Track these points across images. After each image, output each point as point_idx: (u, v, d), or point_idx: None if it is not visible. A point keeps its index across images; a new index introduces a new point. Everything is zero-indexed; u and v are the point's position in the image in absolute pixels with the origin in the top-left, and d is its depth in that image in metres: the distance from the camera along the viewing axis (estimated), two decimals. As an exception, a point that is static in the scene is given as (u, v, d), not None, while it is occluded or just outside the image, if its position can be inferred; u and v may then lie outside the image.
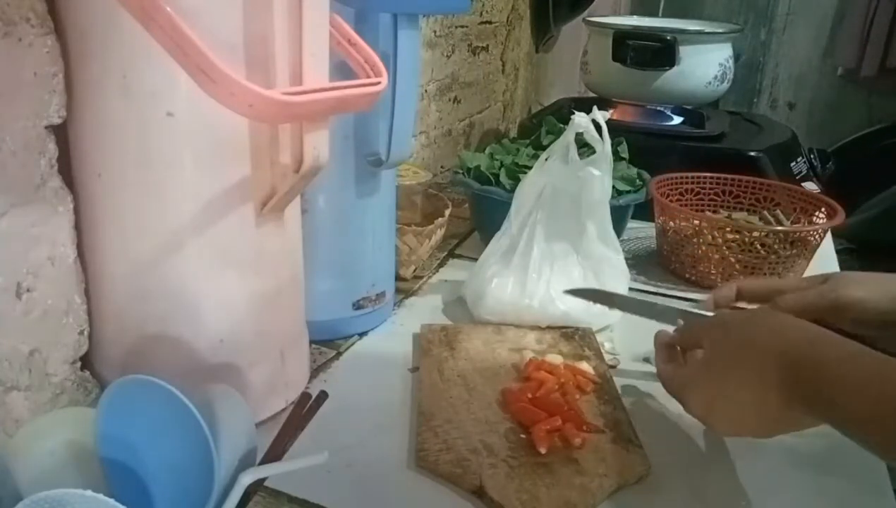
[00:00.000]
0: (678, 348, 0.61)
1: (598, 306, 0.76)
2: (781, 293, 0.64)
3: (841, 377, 0.44)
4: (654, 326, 0.66)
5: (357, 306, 0.74)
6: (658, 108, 1.26)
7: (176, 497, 0.42)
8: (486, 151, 0.98)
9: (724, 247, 0.86)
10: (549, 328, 0.75)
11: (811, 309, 0.60)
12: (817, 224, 0.91)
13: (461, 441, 0.57)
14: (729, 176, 1.01)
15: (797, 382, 0.47)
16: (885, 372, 0.43)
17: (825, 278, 0.63)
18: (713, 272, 0.88)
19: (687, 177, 1.01)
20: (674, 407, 0.65)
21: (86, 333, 0.56)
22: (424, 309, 0.81)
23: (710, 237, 0.86)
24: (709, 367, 0.54)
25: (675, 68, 1.19)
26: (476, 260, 0.80)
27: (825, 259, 0.98)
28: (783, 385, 0.47)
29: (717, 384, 0.52)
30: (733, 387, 0.51)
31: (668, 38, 1.17)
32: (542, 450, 0.56)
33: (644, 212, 0.95)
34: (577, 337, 0.74)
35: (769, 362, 0.49)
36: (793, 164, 1.16)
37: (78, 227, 0.54)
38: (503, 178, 0.91)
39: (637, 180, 0.95)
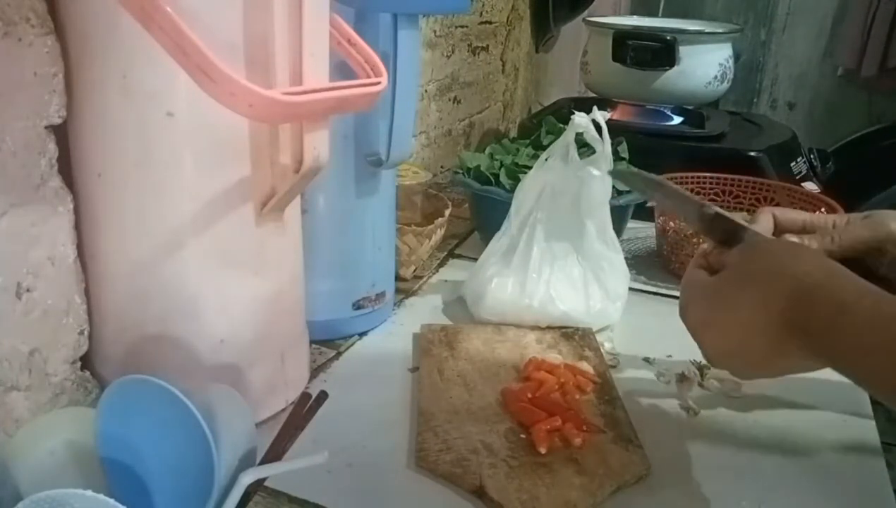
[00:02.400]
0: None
1: (599, 305, 0.76)
2: (819, 226, 0.58)
3: (859, 309, 0.42)
4: (655, 326, 0.65)
5: (357, 306, 0.74)
6: (658, 108, 1.26)
7: (176, 497, 0.42)
8: (486, 151, 0.98)
9: (724, 247, 0.86)
10: (549, 328, 0.75)
11: (860, 244, 0.56)
12: (817, 224, 0.91)
13: (461, 441, 0.57)
14: (729, 176, 1.01)
15: (808, 309, 0.44)
16: None
17: (866, 215, 0.58)
18: (713, 272, 0.88)
19: (687, 177, 1.01)
20: (674, 407, 0.65)
21: (86, 333, 0.56)
22: (424, 309, 0.81)
23: (710, 237, 0.86)
24: (719, 281, 0.51)
25: (675, 68, 1.19)
26: (476, 260, 0.80)
27: (825, 259, 0.98)
28: (789, 312, 0.45)
29: (721, 298, 0.50)
30: (737, 304, 0.48)
31: (668, 38, 1.17)
32: (542, 450, 0.56)
33: (644, 212, 0.95)
34: (577, 337, 0.74)
35: (779, 285, 0.46)
36: (793, 164, 1.16)
37: (78, 227, 0.54)
38: (503, 178, 0.91)
39: (637, 180, 0.95)
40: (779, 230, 0.59)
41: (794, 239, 0.56)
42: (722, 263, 0.52)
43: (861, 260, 0.54)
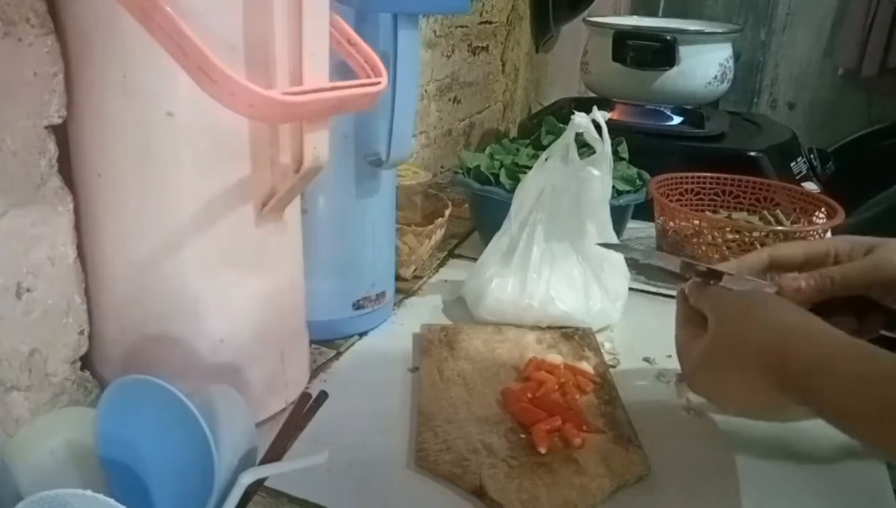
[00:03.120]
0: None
1: (599, 305, 0.76)
2: (820, 257, 0.59)
3: (831, 372, 0.45)
4: (655, 326, 0.66)
5: (357, 306, 0.74)
6: (658, 108, 1.26)
7: (176, 497, 0.42)
8: (486, 151, 0.98)
9: (724, 247, 0.86)
10: (549, 328, 0.75)
11: (861, 283, 0.56)
12: (817, 224, 0.91)
13: (461, 441, 0.57)
14: (729, 176, 1.01)
15: (790, 375, 0.47)
16: (876, 371, 0.43)
17: (869, 247, 0.58)
18: (713, 272, 0.88)
19: (687, 177, 1.01)
20: (674, 407, 0.65)
21: (86, 333, 0.56)
22: (424, 309, 0.81)
23: (710, 237, 0.86)
24: (709, 349, 0.54)
25: (675, 68, 1.19)
26: (476, 260, 0.80)
27: (825, 259, 0.98)
28: (777, 377, 0.48)
29: (715, 368, 0.54)
30: (730, 373, 0.52)
31: (668, 38, 1.17)
32: (542, 450, 0.56)
33: (644, 212, 0.95)
34: (577, 337, 0.74)
35: (765, 354, 0.49)
36: (793, 164, 1.17)
37: (78, 227, 0.54)
38: (503, 178, 0.91)
39: (637, 180, 0.95)
40: (776, 266, 0.60)
41: (792, 279, 0.58)
42: (702, 307, 0.57)
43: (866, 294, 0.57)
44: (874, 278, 0.55)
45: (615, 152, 0.86)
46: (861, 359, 0.45)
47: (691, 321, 0.58)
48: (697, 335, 0.56)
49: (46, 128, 0.50)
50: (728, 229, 0.86)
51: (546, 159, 0.76)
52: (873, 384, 0.42)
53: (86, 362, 0.57)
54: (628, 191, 0.92)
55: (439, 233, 0.89)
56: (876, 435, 0.43)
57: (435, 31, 1.19)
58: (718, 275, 0.58)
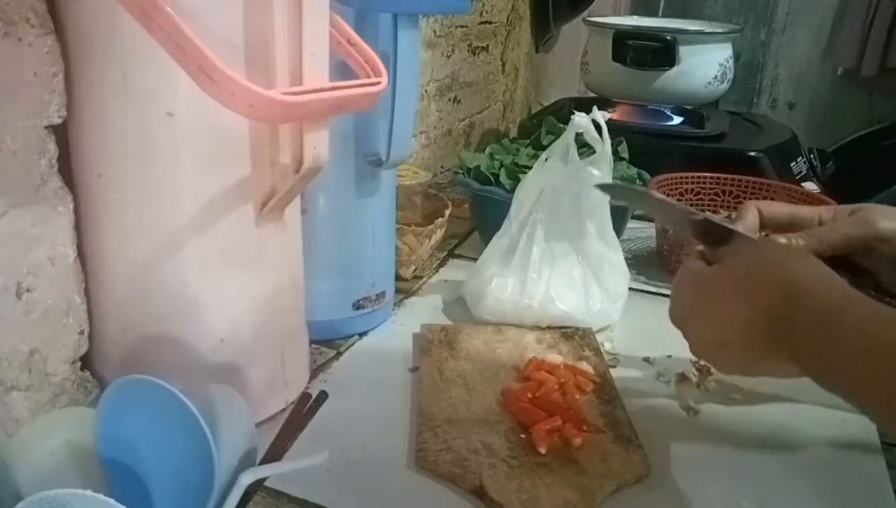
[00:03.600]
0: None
1: (599, 305, 0.76)
2: (805, 221, 0.58)
3: (843, 317, 0.41)
4: (655, 326, 0.65)
5: (357, 306, 0.74)
6: (658, 108, 1.26)
7: (176, 497, 0.42)
8: (486, 151, 0.98)
9: (724, 247, 0.86)
10: (549, 328, 0.75)
11: (847, 242, 0.55)
12: (817, 224, 0.91)
13: (461, 441, 0.57)
14: (729, 176, 1.01)
15: (793, 312, 0.44)
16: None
17: (853, 210, 0.57)
18: (713, 272, 0.88)
19: (687, 177, 1.01)
20: (674, 406, 0.65)
21: (86, 333, 0.56)
22: (424, 309, 0.81)
23: (710, 237, 0.86)
24: (711, 274, 0.51)
25: (675, 68, 1.19)
26: (476, 260, 0.80)
27: (825, 259, 0.98)
28: (775, 311, 0.44)
29: (711, 290, 0.50)
30: (724, 299, 0.48)
31: (668, 38, 1.17)
32: (542, 450, 0.56)
33: (644, 212, 0.95)
34: (577, 337, 0.74)
35: (767, 284, 0.46)
36: (793, 164, 1.16)
37: (78, 227, 0.54)
38: (503, 178, 0.91)
39: (637, 180, 0.95)
40: (765, 225, 0.59)
41: (781, 239, 0.56)
42: (717, 259, 0.52)
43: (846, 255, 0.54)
44: (857, 236, 0.55)
45: (615, 152, 0.86)
46: (874, 309, 0.42)
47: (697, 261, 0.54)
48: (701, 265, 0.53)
49: (46, 128, 0.50)
50: (728, 229, 0.86)
51: (546, 159, 0.76)
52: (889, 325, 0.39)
53: (86, 362, 0.57)
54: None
55: (439, 233, 0.89)
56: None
57: (435, 31, 1.19)
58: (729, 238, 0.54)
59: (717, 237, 0.54)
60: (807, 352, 0.43)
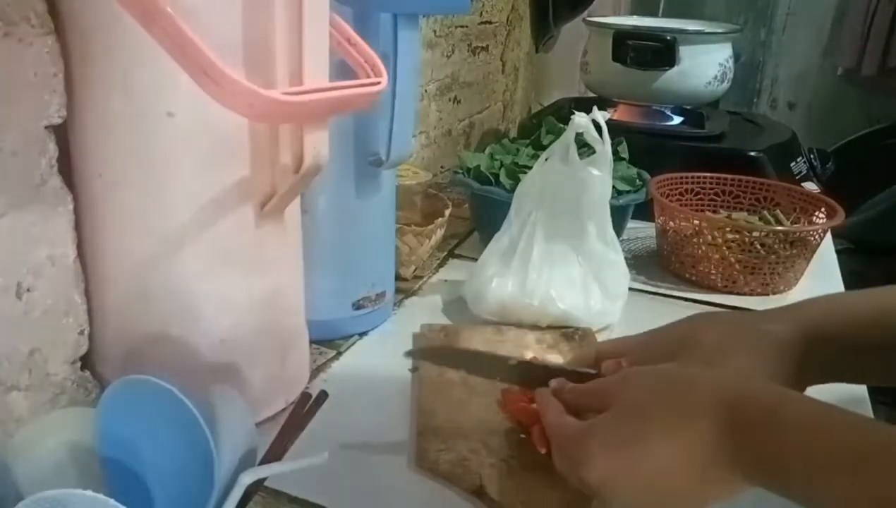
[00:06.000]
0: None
1: (599, 305, 0.76)
2: (631, 349, 0.55)
3: (790, 410, 0.38)
4: (655, 326, 0.65)
5: (357, 306, 0.73)
6: (658, 108, 1.26)
7: (176, 497, 0.42)
8: (486, 151, 0.98)
9: (724, 247, 0.86)
10: (549, 328, 0.75)
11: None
12: (817, 224, 0.91)
13: (461, 441, 0.57)
14: (729, 176, 1.01)
15: (734, 419, 0.39)
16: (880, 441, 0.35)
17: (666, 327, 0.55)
18: (713, 272, 0.88)
19: (687, 177, 1.01)
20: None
21: (86, 333, 0.56)
22: (424, 309, 0.81)
23: (710, 237, 0.86)
24: (622, 415, 0.43)
25: (675, 68, 1.19)
26: (476, 260, 0.80)
27: (825, 259, 0.98)
28: (727, 442, 0.39)
29: (626, 435, 0.42)
30: (648, 436, 0.41)
31: (668, 38, 1.17)
32: (542, 450, 0.55)
33: (644, 212, 0.95)
34: (577, 337, 0.74)
35: (703, 410, 0.40)
36: (793, 164, 1.16)
37: (78, 227, 0.54)
38: (503, 178, 0.91)
39: (637, 180, 0.95)
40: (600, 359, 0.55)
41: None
42: (586, 403, 0.47)
43: None
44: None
45: (615, 152, 0.86)
46: (811, 401, 0.40)
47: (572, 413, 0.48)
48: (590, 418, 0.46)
49: (46, 128, 0.50)
50: (728, 229, 0.86)
51: (546, 159, 0.76)
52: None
53: (86, 362, 0.57)
54: (628, 191, 0.92)
55: (439, 233, 0.89)
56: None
57: (435, 31, 1.19)
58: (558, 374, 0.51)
59: (541, 380, 0.51)
60: (760, 458, 0.38)
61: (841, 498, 0.35)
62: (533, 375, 0.51)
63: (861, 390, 0.65)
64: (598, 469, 0.42)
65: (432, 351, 0.66)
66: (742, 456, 0.39)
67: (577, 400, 0.49)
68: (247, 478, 0.41)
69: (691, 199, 1.01)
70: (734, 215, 0.98)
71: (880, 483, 0.33)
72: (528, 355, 0.69)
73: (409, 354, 0.63)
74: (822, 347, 0.50)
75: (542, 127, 1.01)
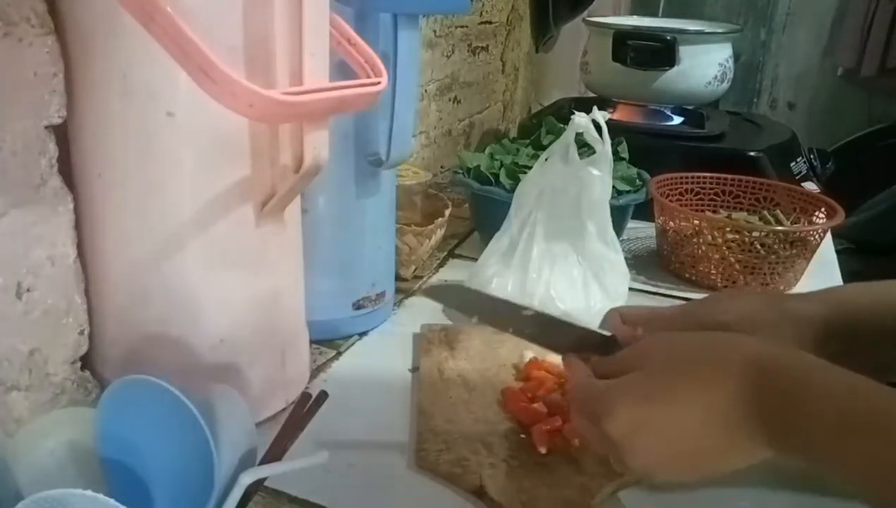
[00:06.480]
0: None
1: (599, 305, 0.76)
2: (665, 319, 0.55)
3: (816, 379, 0.38)
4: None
5: (357, 306, 0.73)
6: (658, 108, 1.26)
7: (176, 497, 0.42)
8: (486, 151, 0.98)
9: (724, 247, 0.86)
10: (549, 328, 0.75)
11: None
12: (817, 224, 0.91)
13: (461, 441, 0.57)
14: (729, 176, 1.01)
15: (761, 385, 0.39)
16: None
17: (702, 300, 0.56)
18: (713, 272, 0.88)
19: (687, 177, 1.01)
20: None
21: (86, 333, 0.56)
22: (424, 309, 0.81)
23: (710, 237, 0.86)
24: (651, 371, 0.43)
25: (675, 68, 1.19)
26: (476, 260, 0.80)
27: (825, 259, 0.98)
28: (743, 392, 0.39)
29: (652, 392, 0.41)
30: (674, 395, 0.41)
31: (668, 38, 1.17)
32: (542, 450, 0.56)
33: (644, 212, 0.95)
34: (577, 337, 0.74)
35: (723, 365, 0.40)
36: (793, 164, 1.16)
37: (78, 227, 0.54)
38: (503, 178, 0.91)
39: (637, 180, 0.95)
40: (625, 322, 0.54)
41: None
42: (613, 371, 0.45)
43: None
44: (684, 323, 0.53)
45: (615, 152, 0.86)
46: (841, 370, 0.39)
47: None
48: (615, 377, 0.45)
49: (46, 128, 0.50)
50: (728, 229, 0.86)
51: (546, 159, 0.76)
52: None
53: (86, 362, 0.57)
54: (628, 191, 0.92)
55: (439, 233, 0.89)
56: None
57: (435, 31, 1.19)
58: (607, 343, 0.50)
59: (591, 345, 0.49)
60: (782, 426, 0.38)
61: (863, 461, 0.35)
62: (547, 330, 0.49)
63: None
64: (621, 420, 0.41)
65: (447, 290, 0.63)
66: (768, 418, 0.38)
67: (604, 366, 0.47)
68: (247, 478, 0.41)
69: (691, 199, 1.01)
70: (734, 215, 0.98)
71: None
72: (529, 355, 0.69)
73: (424, 293, 0.59)
74: (845, 331, 0.50)
75: (542, 127, 1.01)
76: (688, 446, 0.41)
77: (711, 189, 1.01)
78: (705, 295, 0.82)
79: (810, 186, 1.09)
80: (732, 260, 0.86)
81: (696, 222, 0.88)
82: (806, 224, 0.93)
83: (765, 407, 0.38)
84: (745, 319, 0.51)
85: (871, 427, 0.35)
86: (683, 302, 0.56)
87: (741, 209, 1.00)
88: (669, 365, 0.43)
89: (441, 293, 0.62)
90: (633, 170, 0.97)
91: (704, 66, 1.21)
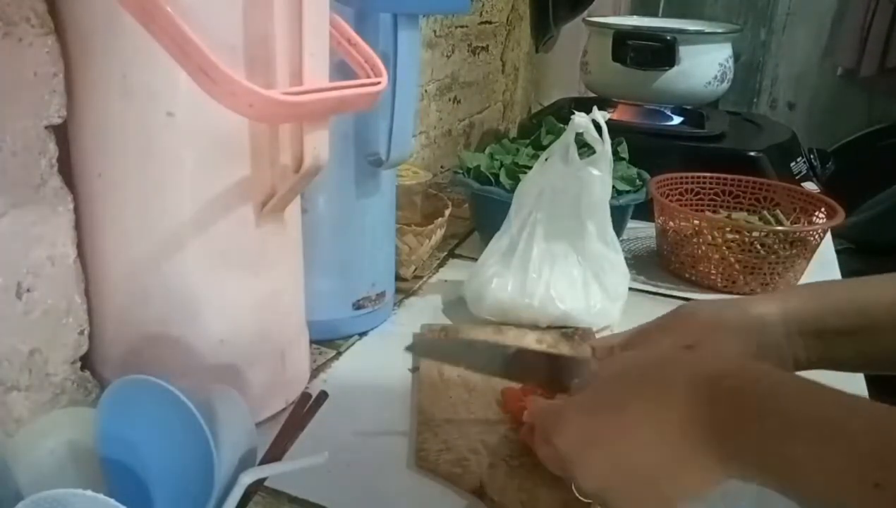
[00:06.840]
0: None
1: (599, 305, 0.76)
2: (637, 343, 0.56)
3: (779, 389, 0.37)
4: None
5: (357, 306, 0.73)
6: (658, 108, 1.26)
7: (176, 497, 0.42)
8: (486, 151, 0.98)
9: (724, 247, 0.86)
10: (549, 328, 0.75)
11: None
12: (817, 224, 0.91)
13: (461, 441, 0.57)
14: (729, 176, 1.01)
15: (717, 398, 0.37)
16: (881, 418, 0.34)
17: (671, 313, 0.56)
18: (713, 272, 0.88)
19: (687, 177, 1.01)
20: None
21: (86, 333, 0.56)
22: (424, 309, 0.81)
23: (710, 237, 0.86)
24: (595, 391, 0.43)
25: (675, 68, 1.19)
26: (476, 260, 0.80)
27: (825, 259, 0.98)
28: (703, 418, 0.38)
29: (605, 407, 0.41)
30: (626, 409, 0.40)
31: (668, 38, 1.17)
32: (542, 450, 0.56)
33: (644, 212, 0.95)
34: (577, 337, 0.74)
35: (689, 384, 0.39)
36: (793, 164, 1.16)
37: (78, 227, 0.54)
38: (503, 178, 0.91)
39: (637, 180, 0.95)
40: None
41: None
42: (572, 395, 0.46)
43: None
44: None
45: (615, 152, 0.86)
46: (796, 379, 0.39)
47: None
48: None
49: (46, 128, 0.50)
50: (728, 229, 0.86)
51: (546, 159, 0.76)
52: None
53: (86, 362, 0.57)
54: (628, 191, 0.92)
55: (439, 233, 0.89)
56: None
57: (435, 31, 1.19)
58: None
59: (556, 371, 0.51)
60: (743, 438, 0.37)
61: (812, 464, 0.34)
62: (529, 366, 0.50)
63: (858, 381, 0.65)
64: (571, 434, 0.42)
65: (431, 347, 0.67)
66: (717, 434, 0.37)
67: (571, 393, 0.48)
68: (247, 478, 0.41)
69: (691, 199, 1.01)
70: (734, 215, 0.98)
71: (861, 453, 0.33)
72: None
73: (409, 349, 0.64)
74: (802, 330, 0.51)
75: (542, 127, 1.01)
76: (637, 463, 0.40)
77: (711, 189, 1.01)
78: (705, 295, 0.83)
79: (810, 186, 1.09)
80: (732, 260, 0.86)
81: (696, 222, 0.88)
82: (806, 224, 0.93)
83: (713, 421, 0.38)
84: (708, 327, 0.52)
85: (820, 427, 0.34)
86: (645, 323, 0.57)
87: (741, 209, 1.00)
88: (620, 380, 0.44)
89: (425, 347, 0.67)
90: (633, 170, 0.97)
91: (704, 65, 1.21)
